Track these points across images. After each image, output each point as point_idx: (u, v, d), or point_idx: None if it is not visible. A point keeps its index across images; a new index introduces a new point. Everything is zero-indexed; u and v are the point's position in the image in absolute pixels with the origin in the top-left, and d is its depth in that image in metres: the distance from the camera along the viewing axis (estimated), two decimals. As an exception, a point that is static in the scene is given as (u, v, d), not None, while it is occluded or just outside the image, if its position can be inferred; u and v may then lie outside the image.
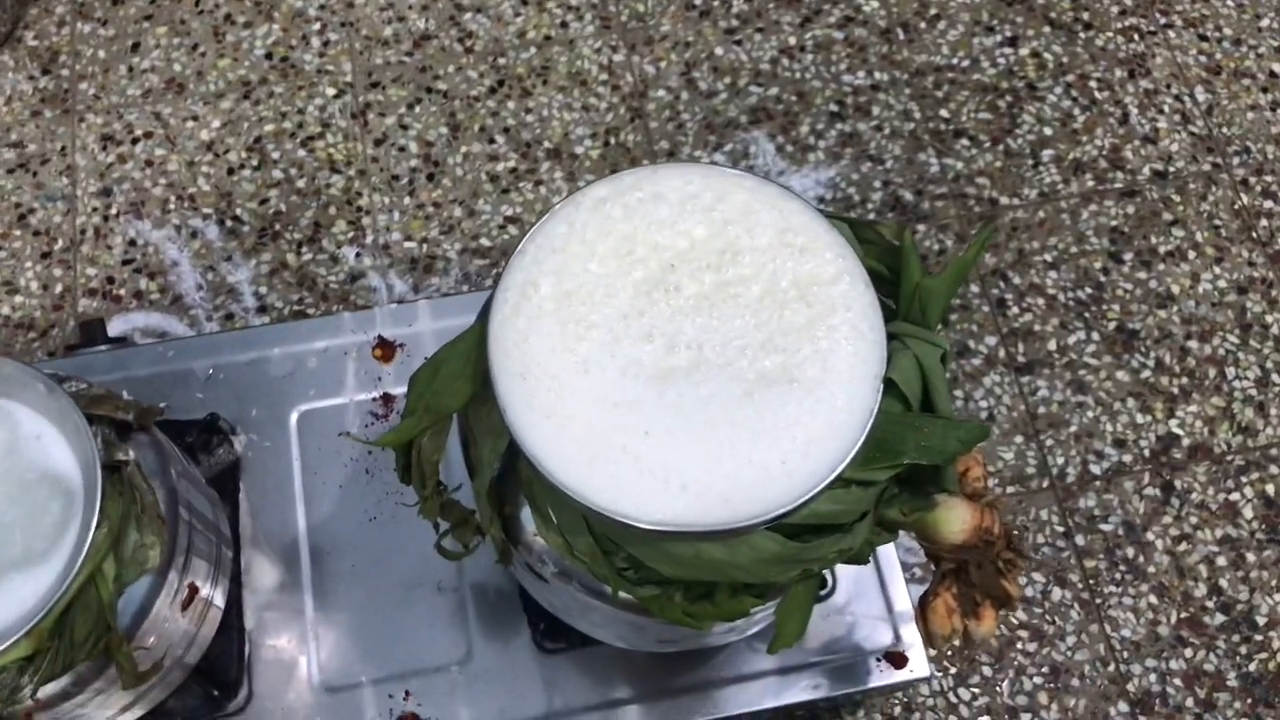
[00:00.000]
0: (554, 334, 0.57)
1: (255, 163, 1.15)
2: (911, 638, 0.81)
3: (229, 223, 1.12)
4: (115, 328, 1.07)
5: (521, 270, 0.59)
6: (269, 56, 1.21)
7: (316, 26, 1.22)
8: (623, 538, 0.56)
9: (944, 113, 1.19)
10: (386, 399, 0.88)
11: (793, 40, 1.22)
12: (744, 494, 0.54)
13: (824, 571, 0.60)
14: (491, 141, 1.16)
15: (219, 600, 0.75)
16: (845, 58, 1.21)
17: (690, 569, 0.56)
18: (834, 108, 1.18)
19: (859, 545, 0.57)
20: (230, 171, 1.15)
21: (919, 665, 0.81)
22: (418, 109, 1.18)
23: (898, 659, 0.80)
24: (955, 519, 0.61)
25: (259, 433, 0.86)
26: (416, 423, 0.60)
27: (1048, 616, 0.98)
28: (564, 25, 1.22)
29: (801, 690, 0.79)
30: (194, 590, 0.68)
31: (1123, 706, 0.95)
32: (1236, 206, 1.15)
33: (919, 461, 0.56)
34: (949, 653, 0.96)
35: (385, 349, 0.90)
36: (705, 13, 1.23)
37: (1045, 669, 0.96)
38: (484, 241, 1.11)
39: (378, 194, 1.14)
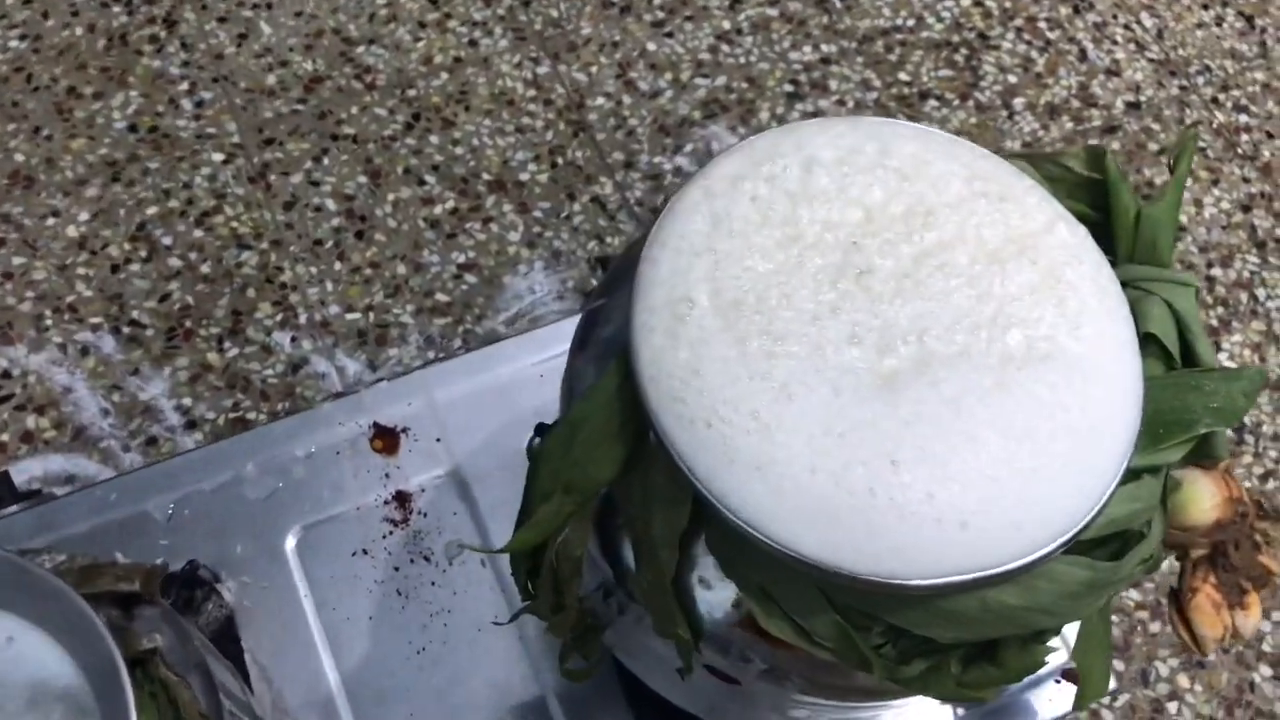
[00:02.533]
0: (733, 359, 0.42)
1: (143, 254, 0.96)
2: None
3: (126, 330, 0.92)
4: (7, 481, 0.85)
5: (661, 286, 0.44)
6: (133, 129, 1.01)
7: (184, 87, 1.04)
8: (883, 606, 0.42)
9: (903, 76, 1.09)
10: (401, 499, 0.71)
11: (727, 25, 1.11)
12: (1036, 514, 0.41)
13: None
14: (421, 183, 1.00)
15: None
16: (787, 35, 1.11)
17: (974, 627, 0.42)
18: (789, 88, 1.08)
19: (1157, 548, 0.45)
20: (114, 269, 0.95)
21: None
22: (326, 161, 1.01)
23: (1076, 675, 0.68)
24: (1204, 495, 0.50)
25: (251, 573, 0.68)
26: (557, 508, 0.44)
27: (1158, 591, 0.89)
28: (473, 44, 1.08)
29: (989, 739, 0.66)
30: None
31: (1265, 670, 0.86)
32: (1215, 125, 1.10)
33: (1214, 428, 0.45)
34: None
35: (386, 438, 0.73)
36: (626, 8, 1.11)
37: (1174, 646, 0.86)
38: (440, 297, 0.95)
39: (301, 264, 0.96)
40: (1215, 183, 1.07)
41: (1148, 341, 0.45)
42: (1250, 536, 0.53)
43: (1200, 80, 1.13)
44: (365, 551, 0.70)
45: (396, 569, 0.69)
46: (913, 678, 0.43)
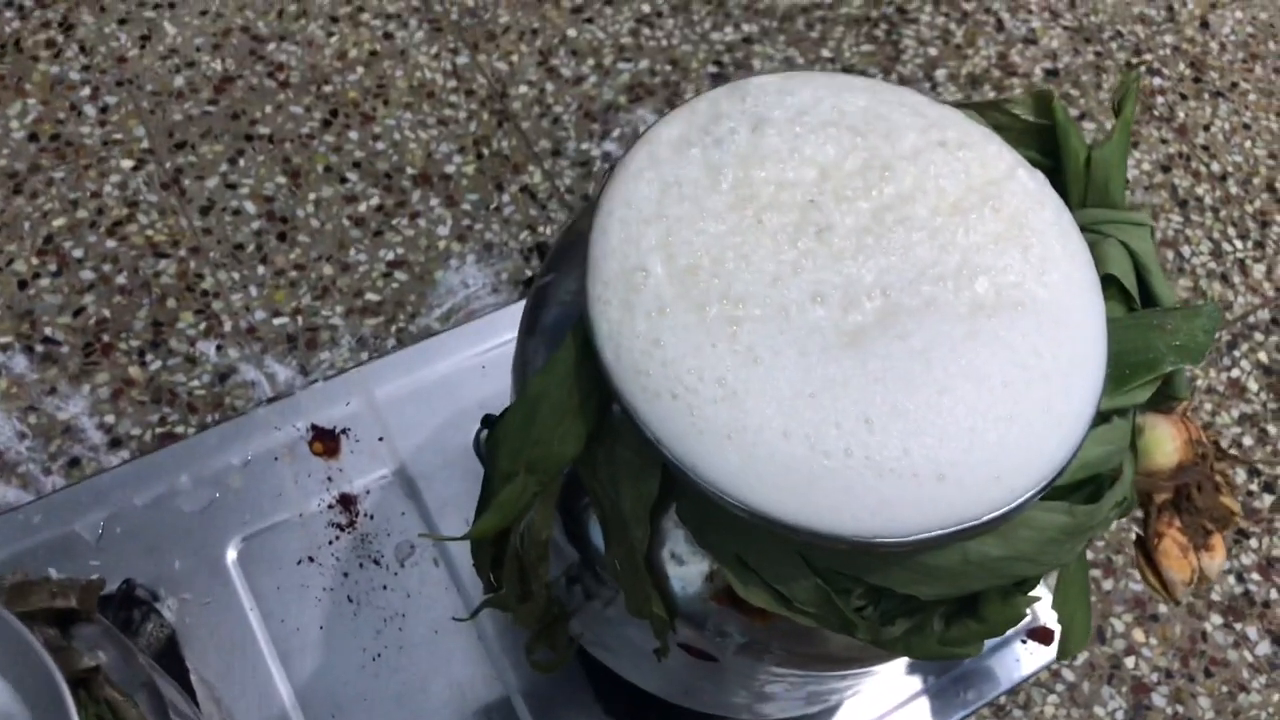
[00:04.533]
0: (694, 326, 0.41)
1: (53, 268, 0.91)
2: (1043, 600, 0.70)
3: (39, 348, 0.88)
4: (-81, 514, 0.80)
5: (613, 256, 0.43)
6: (34, 138, 0.96)
7: (86, 92, 0.99)
8: (864, 566, 0.41)
9: (825, 52, 1.09)
10: (346, 502, 0.69)
11: (647, 8, 1.09)
12: (1014, 462, 0.40)
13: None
14: (343, 181, 0.97)
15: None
16: (707, 15, 1.10)
17: (957, 581, 0.41)
18: (713, 69, 1.07)
19: (1130, 490, 0.45)
20: (22, 285, 0.90)
21: (1067, 635, 0.69)
22: (242, 162, 0.97)
23: (1044, 634, 0.68)
24: (1165, 438, 0.50)
25: (192, 589, 0.65)
26: (521, 490, 0.43)
27: (1108, 548, 0.89)
28: (388, 36, 1.05)
29: (960, 704, 0.66)
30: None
31: (1216, 619, 0.87)
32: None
33: (1178, 365, 0.44)
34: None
35: (325, 440, 0.70)
36: (543, -5, 1.09)
37: (1128, 601, 0.87)
38: (370, 296, 0.92)
39: (222, 270, 0.92)
40: (1135, 145, 1.09)
41: (1107, 283, 0.45)
42: (1211, 478, 0.53)
43: (1114, 45, 1.14)
44: (312, 559, 0.67)
45: (346, 575, 0.66)
46: (896, 638, 0.42)
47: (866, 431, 0.40)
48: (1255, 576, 0.89)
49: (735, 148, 0.45)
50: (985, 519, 0.39)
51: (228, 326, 0.90)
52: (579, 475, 0.44)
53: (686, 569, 0.45)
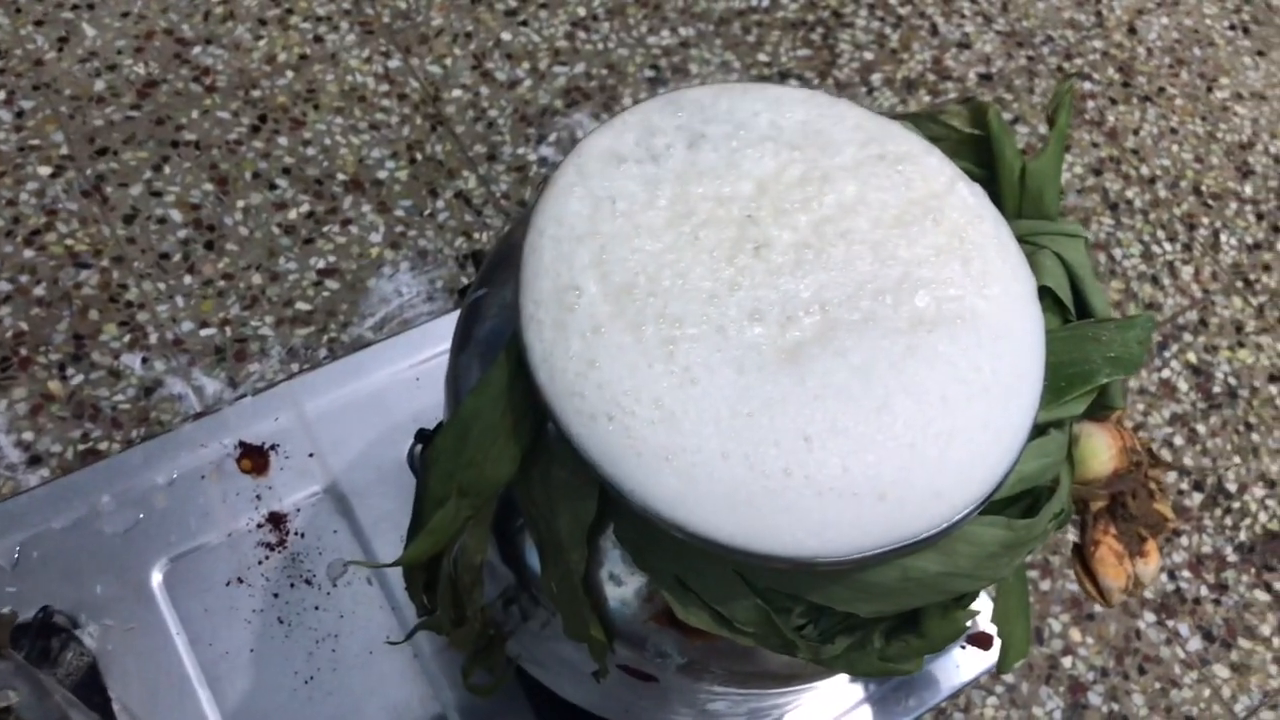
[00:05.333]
0: (630, 346, 0.40)
1: (-33, 279, 0.88)
2: (983, 612, 0.70)
3: (-47, 362, 0.85)
4: None
5: (545, 275, 0.42)
6: (-54, 144, 0.93)
7: (0, 96, 0.96)
8: (803, 585, 0.40)
9: (763, 57, 1.09)
10: (276, 521, 0.67)
11: (582, 11, 1.08)
12: (955, 477, 0.40)
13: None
14: (273, 187, 0.95)
15: None
16: (643, 19, 1.09)
17: (896, 598, 0.41)
18: (650, 73, 1.06)
19: (1067, 502, 0.45)
20: (-65, 297, 0.87)
21: (1006, 640, 0.69)
22: (167, 169, 0.94)
23: (983, 639, 0.69)
24: (1101, 447, 0.51)
25: (114, 615, 0.63)
26: (454, 514, 0.41)
27: (1045, 549, 0.90)
28: (319, 40, 1.02)
29: (902, 711, 0.66)
30: None
31: (1149, 616, 0.89)
32: (1062, 93, 1.13)
33: (1113, 377, 0.44)
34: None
35: (254, 457, 0.68)
36: (477, -2, 1.07)
37: (1064, 601, 0.88)
38: (301, 306, 0.90)
39: (147, 281, 0.89)
40: (1067, 149, 1.10)
41: (1043, 294, 0.45)
42: (1145, 485, 0.54)
43: (1045, 50, 1.16)
44: (241, 580, 0.65)
45: (276, 595, 0.65)
46: (836, 656, 0.42)
47: (805, 450, 0.39)
48: (1186, 574, 0.91)
49: (672, 164, 0.44)
50: (925, 535, 0.39)
51: (153, 338, 0.87)
52: (514, 497, 0.43)
53: (624, 590, 0.44)
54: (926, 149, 0.45)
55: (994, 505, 0.42)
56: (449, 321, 0.74)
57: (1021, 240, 0.46)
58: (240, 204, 0.94)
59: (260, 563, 0.66)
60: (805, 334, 0.41)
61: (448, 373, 0.51)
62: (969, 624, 0.43)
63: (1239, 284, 1.05)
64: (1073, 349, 0.45)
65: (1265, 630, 0.89)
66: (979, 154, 0.49)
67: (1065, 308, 0.46)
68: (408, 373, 0.72)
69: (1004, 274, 0.43)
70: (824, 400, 0.40)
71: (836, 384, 0.40)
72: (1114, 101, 1.14)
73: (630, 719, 0.56)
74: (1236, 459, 0.96)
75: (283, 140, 0.97)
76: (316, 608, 0.65)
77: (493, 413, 0.41)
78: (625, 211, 0.43)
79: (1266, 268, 1.06)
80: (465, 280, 0.93)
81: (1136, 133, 1.12)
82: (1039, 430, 0.43)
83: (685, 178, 0.44)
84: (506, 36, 1.06)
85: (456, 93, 1.02)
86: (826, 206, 0.43)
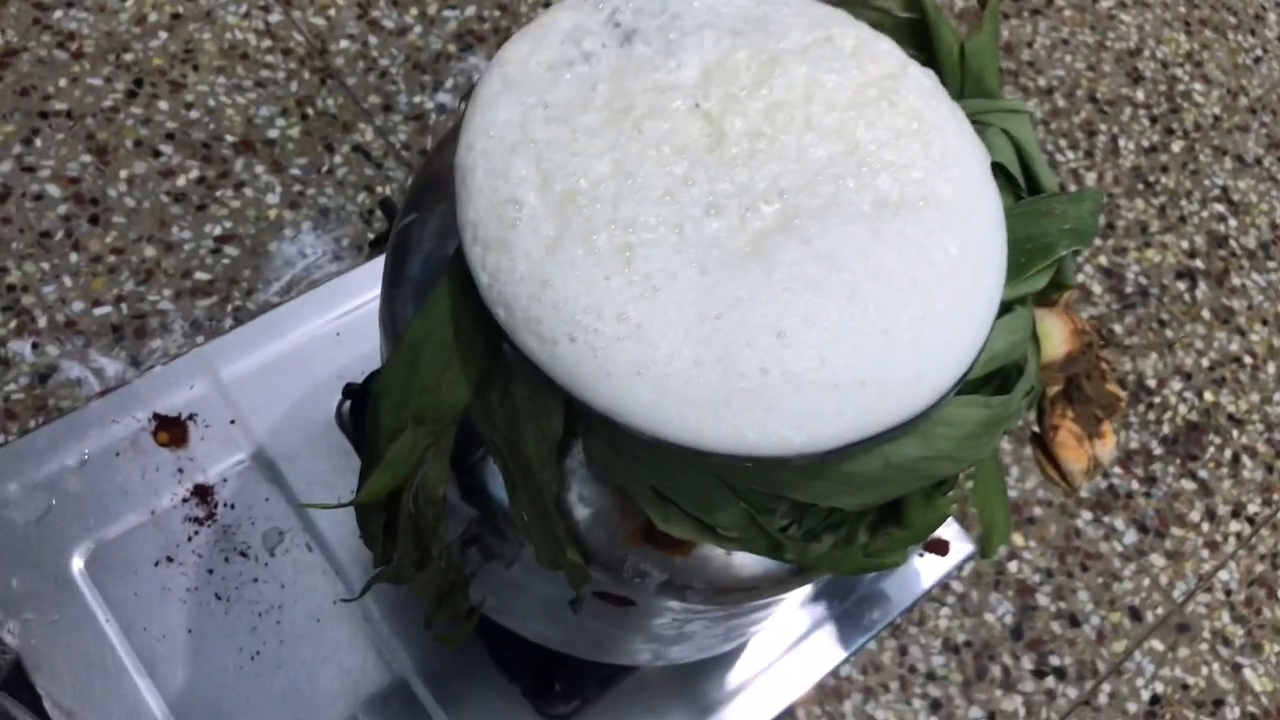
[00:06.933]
0: (583, 260, 0.38)
1: None
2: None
3: None
4: None
5: (481, 194, 0.39)
6: None
7: None
8: (787, 484, 0.39)
9: (657, -11, 1.06)
10: (202, 494, 0.63)
11: (468, -49, 1.04)
12: (932, 361, 0.39)
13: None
14: (157, 154, 0.89)
15: None
16: (532, -44, 1.05)
17: (879, 488, 0.40)
18: (544, 10, 1.02)
19: (1036, 379, 0.44)
20: None
21: (960, 543, 0.70)
22: (39, 142, 0.88)
23: (938, 546, 0.68)
24: (1053, 330, 0.51)
25: (34, 608, 0.58)
26: (411, 444, 0.39)
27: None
28: (190, -4, 0.97)
29: (866, 626, 0.65)
30: None
31: (1086, 515, 0.90)
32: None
33: (1071, 248, 0.44)
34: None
35: (171, 429, 0.64)
36: (356, -57, 1.02)
37: (1003, 510, 0.89)
38: (200, 276, 0.85)
39: (29, 262, 0.83)
40: (965, 65, 1.10)
41: (995, 172, 0.44)
42: (1098, 366, 0.54)
43: None
44: (170, 559, 0.61)
45: (211, 572, 0.61)
46: (822, 555, 0.41)
47: (780, 346, 0.37)
48: (1118, 470, 0.93)
49: (605, 60, 0.42)
50: (907, 419, 0.38)
51: (42, 322, 0.82)
52: (472, 423, 0.40)
53: (596, 510, 0.42)
54: (874, 34, 0.44)
55: (968, 386, 0.41)
56: (365, 273, 0.71)
57: (970, 120, 0.45)
58: (124, 174, 0.88)
59: (190, 539, 0.62)
60: (767, 224, 0.39)
61: (381, 310, 0.48)
62: (951, 509, 0.43)
63: (1140, 186, 1.07)
64: (1030, 224, 0.44)
65: (1194, 517, 0.91)
66: (916, 37, 0.48)
67: (1017, 184, 0.45)
68: (326, 328, 0.68)
69: (964, 156, 0.42)
70: (794, 293, 0.38)
71: (805, 275, 0.38)
72: (1006, 16, 1.14)
73: (602, 653, 0.55)
74: (1154, 355, 0.98)
75: (163, 105, 0.91)
76: (255, 580, 0.61)
77: (441, 335, 0.39)
78: (559, 115, 0.40)
79: (1164, 169, 1.08)
80: (372, 235, 0.89)
81: (1030, 45, 1.13)
82: (1004, 308, 0.42)
83: (621, 73, 0.41)
84: (391, -18, 1.01)
85: (344, 44, 0.97)
86: (778, 90, 0.41)
